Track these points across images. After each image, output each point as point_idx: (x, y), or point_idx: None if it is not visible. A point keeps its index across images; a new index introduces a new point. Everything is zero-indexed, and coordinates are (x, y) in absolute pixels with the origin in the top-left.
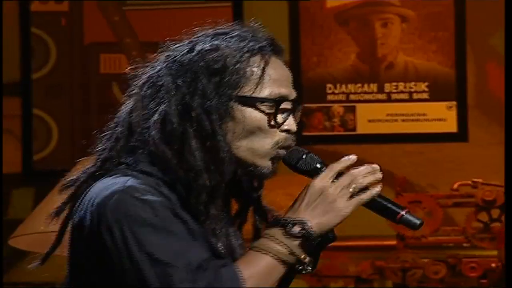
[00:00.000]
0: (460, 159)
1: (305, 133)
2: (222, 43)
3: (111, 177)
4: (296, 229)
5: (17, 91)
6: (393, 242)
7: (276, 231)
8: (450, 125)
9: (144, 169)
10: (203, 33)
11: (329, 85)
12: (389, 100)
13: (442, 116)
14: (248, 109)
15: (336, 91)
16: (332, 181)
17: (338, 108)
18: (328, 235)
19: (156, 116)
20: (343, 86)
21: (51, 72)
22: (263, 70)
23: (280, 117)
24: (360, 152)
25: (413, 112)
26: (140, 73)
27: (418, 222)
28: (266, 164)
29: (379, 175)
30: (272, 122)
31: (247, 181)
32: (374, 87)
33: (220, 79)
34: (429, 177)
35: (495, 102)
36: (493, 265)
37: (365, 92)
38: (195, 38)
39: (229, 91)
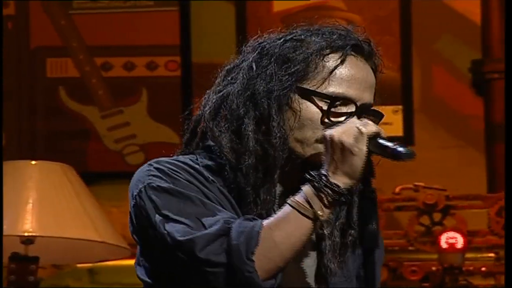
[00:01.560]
0: (406, 163)
1: None
2: (310, 36)
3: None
4: (320, 184)
5: None
6: None
7: (306, 187)
8: (396, 129)
9: (205, 153)
10: (304, 27)
11: None
12: None
13: (388, 120)
14: (305, 102)
15: None
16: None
17: None
18: (366, 194)
19: (218, 95)
20: None
21: None
22: (335, 67)
23: (335, 113)
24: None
25: None
26: (232, 59)
27: (404, 151)
28: (316, 155)
29: None
30: (326, 120)
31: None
32: None
33: (288, 68)
34: (376, 180)
35: (440, 106)
36: (434, 268)
37: None
38: (291, 30)
39: (293, 81)
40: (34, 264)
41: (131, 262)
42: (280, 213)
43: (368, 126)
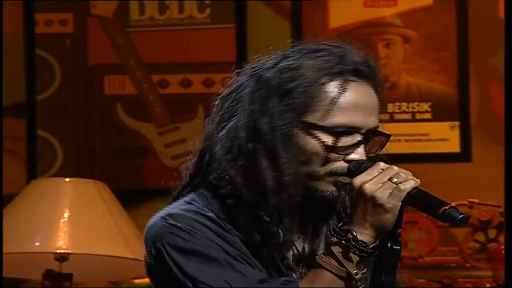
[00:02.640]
0: (463, 179)
1: None
2: (306, 61)
3: (178, 201)
4: (348, 242)
5: (22, 113)
6: None
7: (334, 246)
8: (453, 145)
9: (208, 192)
10: (298, 47)
11: None
12: (392, 120)
13: (445, 136)
14: (309, 136)
15: None
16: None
17: None
18: (391, 246)
19: (224, 131)
20: None
21: (56, 93)
22: (337, 96)
23: (339, 149)
24: None
25: (415, 132)
26: (227, 85)
27: (459, 216)
28: (327, 187)
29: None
30: (331, 153)
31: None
32: None
33: (288, 102)
34: None
35: (497, 122)
36: (488, 285)
37: None
38: (285, 52)
39: (294, 114)
40: (68, 281)
41: None
42: (315, 274)
43: (407, 183)
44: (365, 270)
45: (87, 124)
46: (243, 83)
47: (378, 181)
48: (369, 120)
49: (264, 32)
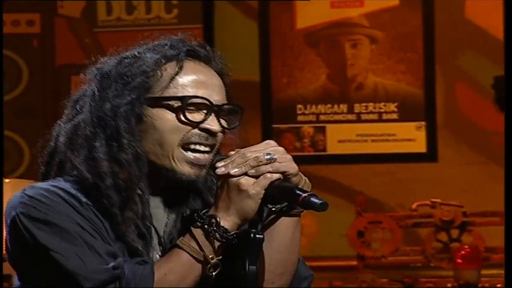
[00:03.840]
0: (429, 179)
1: None
2: (144, 50)
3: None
4: (210, 226)
5: None
6: (354, 263)
7: (197, 230)
8: (420, 145)
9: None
10: (139, 45)
11: (299, 106)
12: (359, 120)
13: (411, 136)
14: (157, 109)
15: (306, 112)
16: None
17: (308, 129)
18: (254, 236)
19: (69, 125)
20: (313, 107)
21: (23, 93)
22: (176, 74)
23: (190, 114)
24: (331, 173)
25: (382, 133)
26: (79, 88)
27: (319, 202)
28: (183, 169)
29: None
30: (182, 118)
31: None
32: (344, 107)
33: (127, 83)
34: (399, 197)
35: (464, 122)
36: (449, 285)
37: (335, 113)
38: (128, 50)
39: (137, 94)
40: (7, 281)
41: None
42: (171, 255)
43: (273, 175)
44: (220, 256)
45: (54, 124)
46: (89, 83)
47: (242, 168)
48: (214, 96)
49: (232, 32)
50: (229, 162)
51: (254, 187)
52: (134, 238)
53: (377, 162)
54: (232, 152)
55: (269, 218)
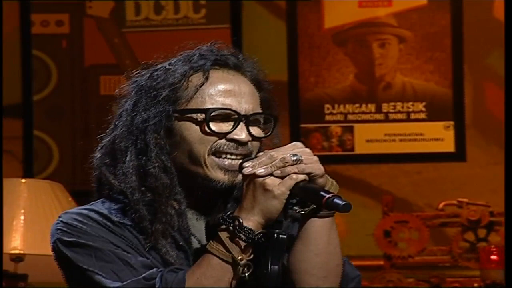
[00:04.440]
0: (458, 179)
1: None
2: (173, 63)
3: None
4: (235, 228)
5: (19, 113)
6: (381, 262)
7: (222, 232)
8: (448, 145)
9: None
10: (170, 58)
11: (327, 106)
12: (387, 120)
13: (439, 136)
14: (184, 122)
15: (334, 112)
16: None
17: (336, 129)
18: (277, 236)
19: (106, 140)
20: (341, 106)
21: (52, 93)
22: (202, 84)
23: (215, 125)
24: (358, 172)
25: (410, 132)
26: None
27: (342, 203)
28: (217, 176)
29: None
30: (207, 130)
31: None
32: (372, 107)
33: (156, 96)
34: (427, 196)
35: (492, 121)
36: (476, 284)
37: (363, 112)
38: (159, 62)
39: (165, 106)
40: (23, 281)
41: None
42: (203, 260)
43: (299, 176)
44: (251, 256)
45: (83, 124)
46: (127, 97)
47: (268, 169)
48: (243, 104)
49: (260, 32)
50: (256, 163)
51: (279, 188)
52: (168, 250)
53: (405, 161)
54: (260, 154)
55: (302, 221)
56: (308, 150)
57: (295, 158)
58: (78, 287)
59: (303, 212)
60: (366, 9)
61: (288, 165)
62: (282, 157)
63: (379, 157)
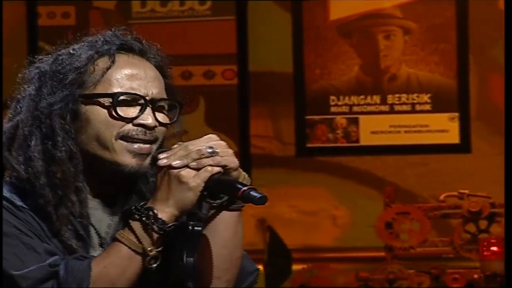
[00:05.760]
0: (463, 170)
1: (308, 145)
2: (77, 49)
3: None
4: (148, 219)
5: None
6: (382, 254)
7: (134, 222)
8: (453, 136)
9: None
10: (74, 42)
11: (332, 97)
12: (392, 111)
13: (444, 127)
14: (90, 106)
15: (339, 103)
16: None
17: (341, 120)
18: (192, 228)
19: (8, 125)
20: (346, 98)
21: None
22: (108, 68)
23: (122, 110)
24: (363, 164)
25: (415, 124)
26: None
27: (258, 196)
28: (125, 160)
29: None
30: (114, 115)
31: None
32: (377, 98)
33: (61, 80)
34: (432, 188)
35: (497, 113)
36: (476, 276)
37: (368, 104)
38: (62, 47)
39: (70, 91)
40: None
41: None
42: (111, 248)
43: (214, 168)
44: (160, 248)
45: None
46: (29, 82)
47: (184, 160)
48: (150, 89)
49: (265, 24)
50: (171, 154)
51: (194, 179)
52: (70, 236)
53: (410, 153)
54: (175, 145)
55: (210, 213)
56: (223, 143)
57: (210, 150)
58: None
59: (215, 204)
60: (371, 0)
61: (204, 157)
62: (197, 149)
63: (384, 148)
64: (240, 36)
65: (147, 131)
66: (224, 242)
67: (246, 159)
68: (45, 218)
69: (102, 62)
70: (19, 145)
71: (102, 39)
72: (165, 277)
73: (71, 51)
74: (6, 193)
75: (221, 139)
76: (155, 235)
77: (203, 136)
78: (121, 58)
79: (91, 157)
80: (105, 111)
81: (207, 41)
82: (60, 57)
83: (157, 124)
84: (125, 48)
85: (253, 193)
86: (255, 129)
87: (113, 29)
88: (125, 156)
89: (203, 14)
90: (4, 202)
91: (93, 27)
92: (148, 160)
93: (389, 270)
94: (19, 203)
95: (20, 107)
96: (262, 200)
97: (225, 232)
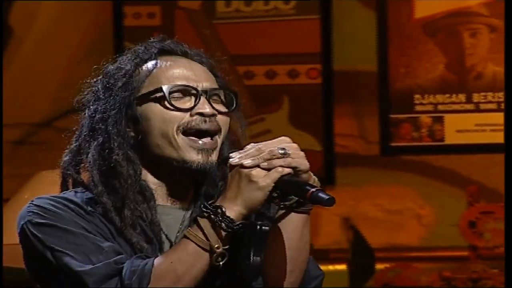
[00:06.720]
0: None
1: (393, 144)
2: (121, 61)
3: None
4: (216, 217)
5: None
6: (466, 253)
7: (203, 220)
8: None
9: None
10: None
11: (417, 96)
12: (477, 110)
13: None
14: (145, 105)
15: (424, 102)
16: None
17: (426, 119)
18: (260, 227)
19: (72, 145)
20: (431, 96)
21: None
22: (153, 69)
23: (177, 102)
24: (448, 163)
25: (501, 122)
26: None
27: (326, 197)
28: (191, 157)
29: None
30: (170, 107)
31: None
32: (462, 97)
33: (112, 89)
34: None
35: None
36: None
37: (453, 103)
38: (111, 63)
39: (122, 95)
40: None
41: None
42: (179, 245)
43: (284, 169)
44: (227, 246)
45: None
46: (86, 103)
47: (255, 160)
48: (200, 82)
49: (349, 23)
50: (243, 154)
51: (264, 179)
52: (140, 240)
53: (496, 152)
54: (248, 146)
55: (278, 214)
56: (295, 145)
57: (282, 151)
58: (40, 274)
59: (284, 205)
60: None
61: (275, 158)
62: (269, 150)
63: (470, 147)
64: (324, 35)
65: (207, 119)
66: (291, 243)
67: (330, 158)
68: (112, 222)
69: (147, 65)
70: (81, 160)
71: (143, 47)
72: (231, 275)
73: (117, 64)
74: (75, 198)
75: (305, 138)
76: (223, 233)
77: (286, 135)
78: (164, 58)
79: (159, 158)
80: (160, 107)
81: (291, 40)
82: (108, 72)
83: (214, 112)
84: (167, 51)
85: (321, 194)
86: (339, 128)
87: (151, 38)
88: (191, 152)
89: (287, 13)
90: (74, 206)
91: (178, 27)
92: (214, 156)
93: (472, 269)
94: (89, 208)
95: (81, 130)
96: (330, 202)
97: (292, 234)
